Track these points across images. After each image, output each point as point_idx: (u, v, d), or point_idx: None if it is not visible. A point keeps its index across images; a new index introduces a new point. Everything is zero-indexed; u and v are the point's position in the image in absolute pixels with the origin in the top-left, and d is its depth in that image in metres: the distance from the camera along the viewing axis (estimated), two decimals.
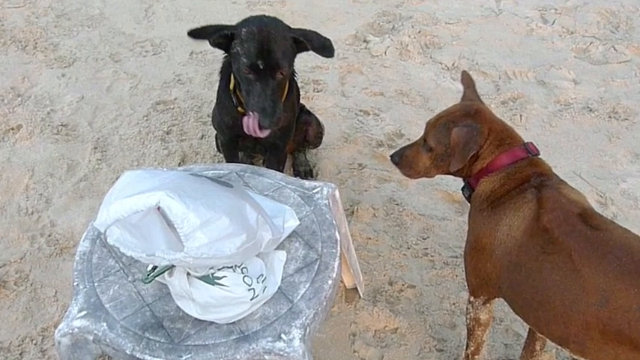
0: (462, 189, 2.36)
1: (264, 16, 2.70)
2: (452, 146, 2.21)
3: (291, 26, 2.73)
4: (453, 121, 2.23)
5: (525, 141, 2.26)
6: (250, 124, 2.67)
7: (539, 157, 2.25)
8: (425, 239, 3.25)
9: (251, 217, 1.90)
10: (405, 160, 2.41)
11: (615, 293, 1.82)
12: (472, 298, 2.35)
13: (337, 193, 2.47)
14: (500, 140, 2.22)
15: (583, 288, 1.87)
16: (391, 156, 2.46)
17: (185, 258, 1.74)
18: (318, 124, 3.52)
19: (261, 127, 2.65)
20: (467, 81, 2.47)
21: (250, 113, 2.67)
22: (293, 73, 2.96)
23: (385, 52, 4.63)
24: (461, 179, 2.37)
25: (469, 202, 2.32)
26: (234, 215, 1.83)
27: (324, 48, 2.69)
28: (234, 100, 2.85)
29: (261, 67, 2.57)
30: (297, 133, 3.37)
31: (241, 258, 1.90)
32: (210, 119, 3.41)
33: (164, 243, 1.84)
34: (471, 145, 2.17)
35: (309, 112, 3.49)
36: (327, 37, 2.73)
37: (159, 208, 1.75)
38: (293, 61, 2.72)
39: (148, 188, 1.74)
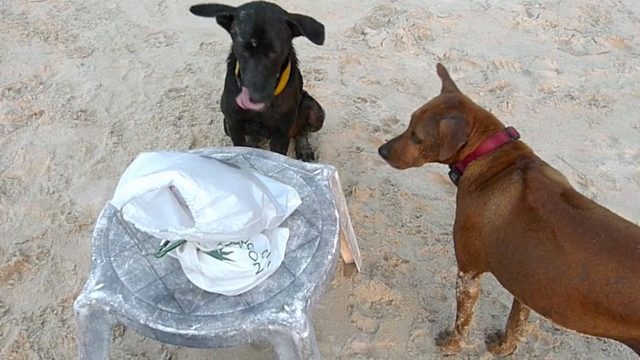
0: (450, 173, 2.34)
1: (263, 1, 2.67)
2: (441, 137, 2.19)
3: None
4: (440, 113, 2.21)
5: (511, 126, 2.25)
6: (243, 97, 2.66)
7: (520, 139, 2.24)
8: (418, 217, 3.24)
9: (257, 196, 1.89)
10: (393, 152, 2.38)
11: (595, 267, 1.81)
12: (462, 273, 2.34)
13: (337, 174, 2.46)
14: (485, 127, 2.20)
15: (565, 262, 1.86)
16: (379, 150, 2.42)
17: (196, 233, 1.73)
18: (319, 108, 3.49)
19: (252, 101, 2.63)
20: (442, 73, 2.44)
21: (243, 88, 2.66)
22: (295, 62, 2.94)
23: (381, 44, 4.60)
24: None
25: (456, 185, 2.31)
26: (242, 194, 1.83)
27: (316, 34, 2.64)
28: (238, 83, 2.82)
29: (255, 45, 2.55)
30: (300, 117, 3.35)
31: (247, 234, 1.89)
32: (219, 105, 3.39)
33: (176, 219, 1.84)
34: (460, 136, 2.16)
35: (310, 98, 3.47)
36: (325, 26, 2.68)
37: (172, 187, 1.74)
38: (287, 42, 2.68)
39: (162, 168, 1.73)
